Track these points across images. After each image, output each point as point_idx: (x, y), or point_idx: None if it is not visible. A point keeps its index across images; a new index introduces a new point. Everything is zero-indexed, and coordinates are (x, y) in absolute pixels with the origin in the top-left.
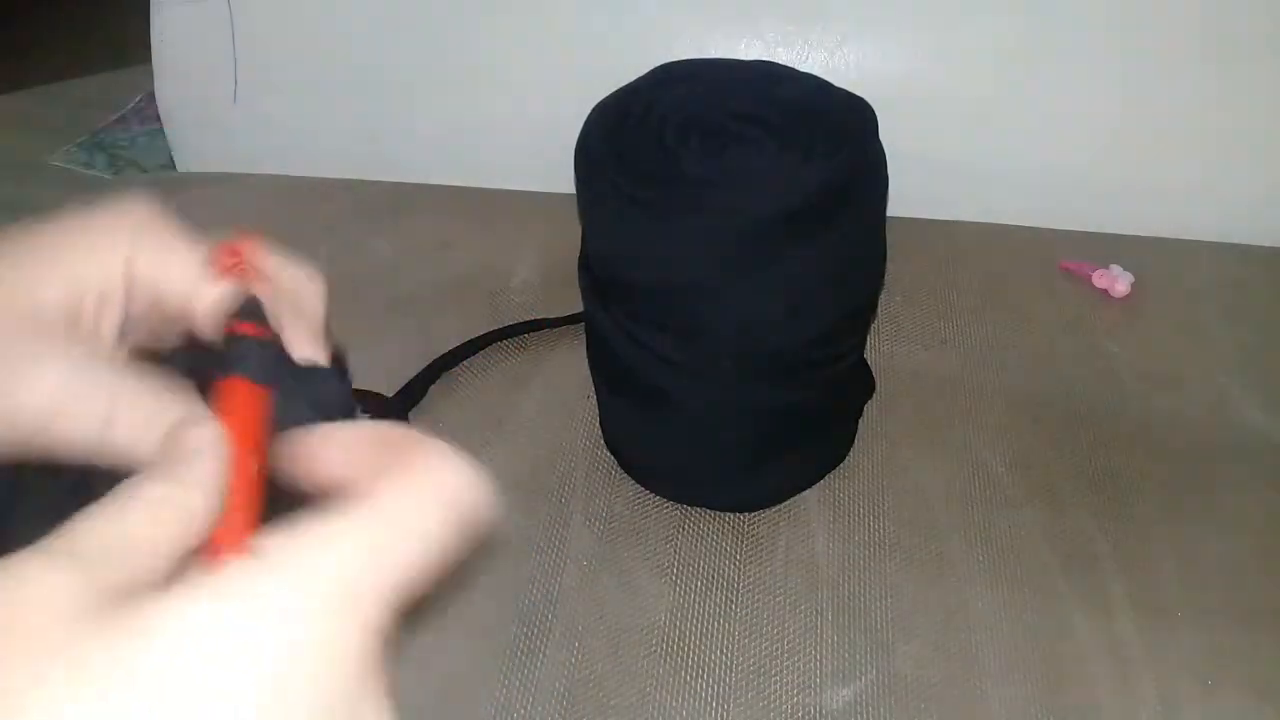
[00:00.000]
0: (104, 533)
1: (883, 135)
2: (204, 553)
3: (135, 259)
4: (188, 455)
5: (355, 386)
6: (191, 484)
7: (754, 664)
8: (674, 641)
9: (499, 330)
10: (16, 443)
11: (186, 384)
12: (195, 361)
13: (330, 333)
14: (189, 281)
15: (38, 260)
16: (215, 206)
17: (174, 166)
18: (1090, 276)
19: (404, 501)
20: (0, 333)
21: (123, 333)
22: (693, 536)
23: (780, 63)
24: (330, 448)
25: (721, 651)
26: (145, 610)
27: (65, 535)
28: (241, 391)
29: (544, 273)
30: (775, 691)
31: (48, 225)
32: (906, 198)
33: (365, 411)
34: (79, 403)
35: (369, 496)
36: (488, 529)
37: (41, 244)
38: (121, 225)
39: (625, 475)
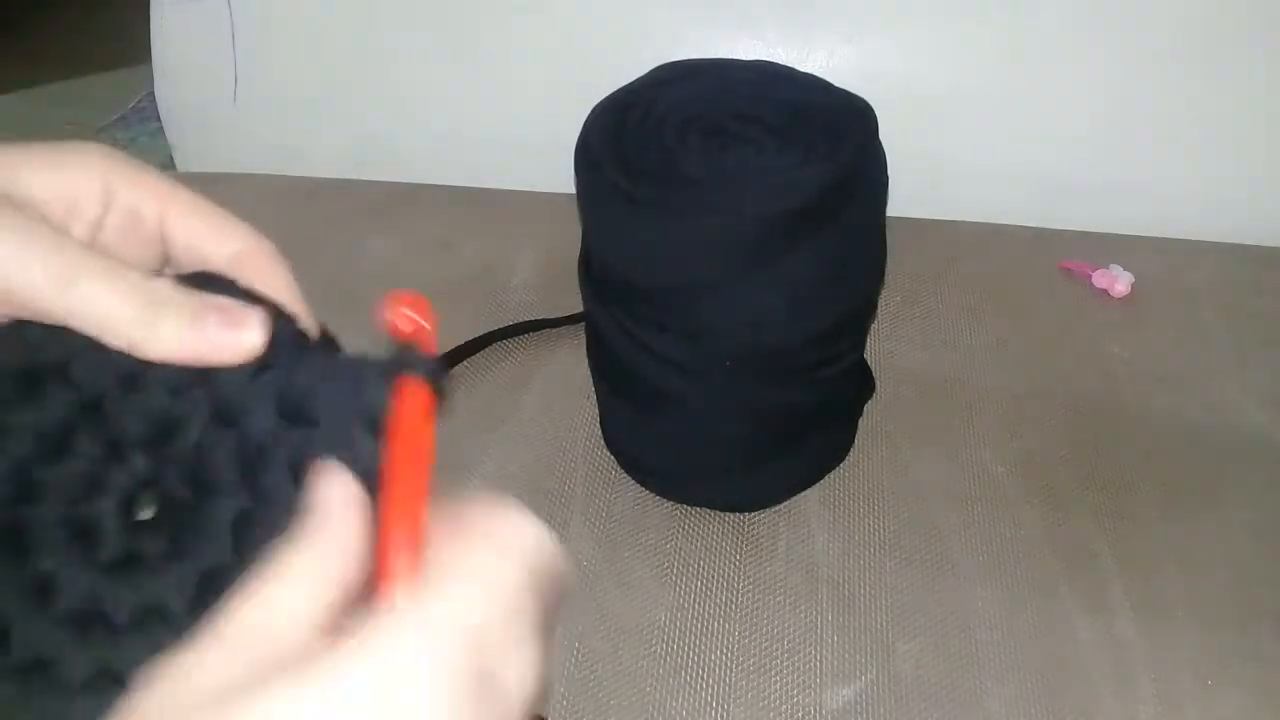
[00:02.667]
0: (247, 612)
1: (883, 135)
2: (372, 592)
3: (111, 179)
4: (323, 519)
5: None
6: (327, 548)
7: (754, 664)
8: (674, 641)
9: (499, 330)
10: None
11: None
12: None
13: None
14: (163, 203)
15: (19, 162)
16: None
17: (174, 166)
18: (1090, 276)
19: (485, 559)
20: None
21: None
22: (693, 536)
23: (780, 63)
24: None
25: (721, 651)
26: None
27: (217, 618)
28: (418, 400)
29: (544, 273)
30: (775, 691)
31: (26, 145)
32: (906, 198)
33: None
34: (43, 260)
35: (457, 557)
36: (565, 582)
37: (22, 154)
38: (93, 150)
39: (625, 475)
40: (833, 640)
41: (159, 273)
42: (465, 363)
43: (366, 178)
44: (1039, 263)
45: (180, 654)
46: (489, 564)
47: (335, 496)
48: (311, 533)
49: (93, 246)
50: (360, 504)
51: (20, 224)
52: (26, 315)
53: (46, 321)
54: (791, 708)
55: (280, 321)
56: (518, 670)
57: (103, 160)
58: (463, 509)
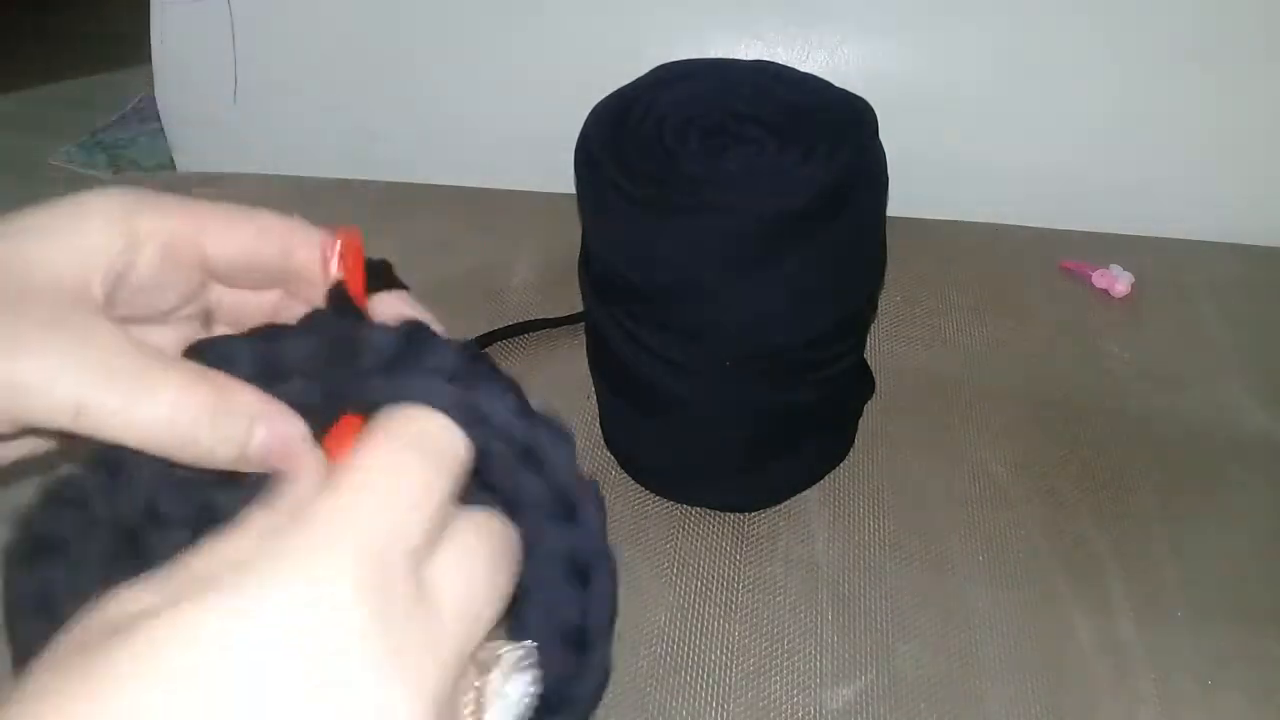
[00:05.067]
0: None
1: (883, 135)
2: None
3: (135, 220)
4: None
5: None
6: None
7: (754, 664)
8: (674, 641)
9: (499, 330)
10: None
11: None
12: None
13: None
14: (196, 230)
15: (37, 234)
16: None
17: (174, 166)
18: (1090, 276)
19: (382, 458)
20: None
21: (138, 300)
22: (693, 536)
23: (780, 63)
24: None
25: (721, 651)
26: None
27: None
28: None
29: (544, 273)
30: (775, 691)
31: (43, 207)
32: (906, 198)
33: None
34: (49, 384)
35: (348, 466)
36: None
37: (37, 221)
38: (112, 197)
39: (625, 475)
40: (833, 640)
41: (207, 314)
42: None
43: (366, 178)
44: (1039, 263)
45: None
46: (384, 459)
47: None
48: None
49: (123, 292)
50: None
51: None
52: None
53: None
54: (791, 708)
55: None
56: (447, 572)
57: (122, 205)
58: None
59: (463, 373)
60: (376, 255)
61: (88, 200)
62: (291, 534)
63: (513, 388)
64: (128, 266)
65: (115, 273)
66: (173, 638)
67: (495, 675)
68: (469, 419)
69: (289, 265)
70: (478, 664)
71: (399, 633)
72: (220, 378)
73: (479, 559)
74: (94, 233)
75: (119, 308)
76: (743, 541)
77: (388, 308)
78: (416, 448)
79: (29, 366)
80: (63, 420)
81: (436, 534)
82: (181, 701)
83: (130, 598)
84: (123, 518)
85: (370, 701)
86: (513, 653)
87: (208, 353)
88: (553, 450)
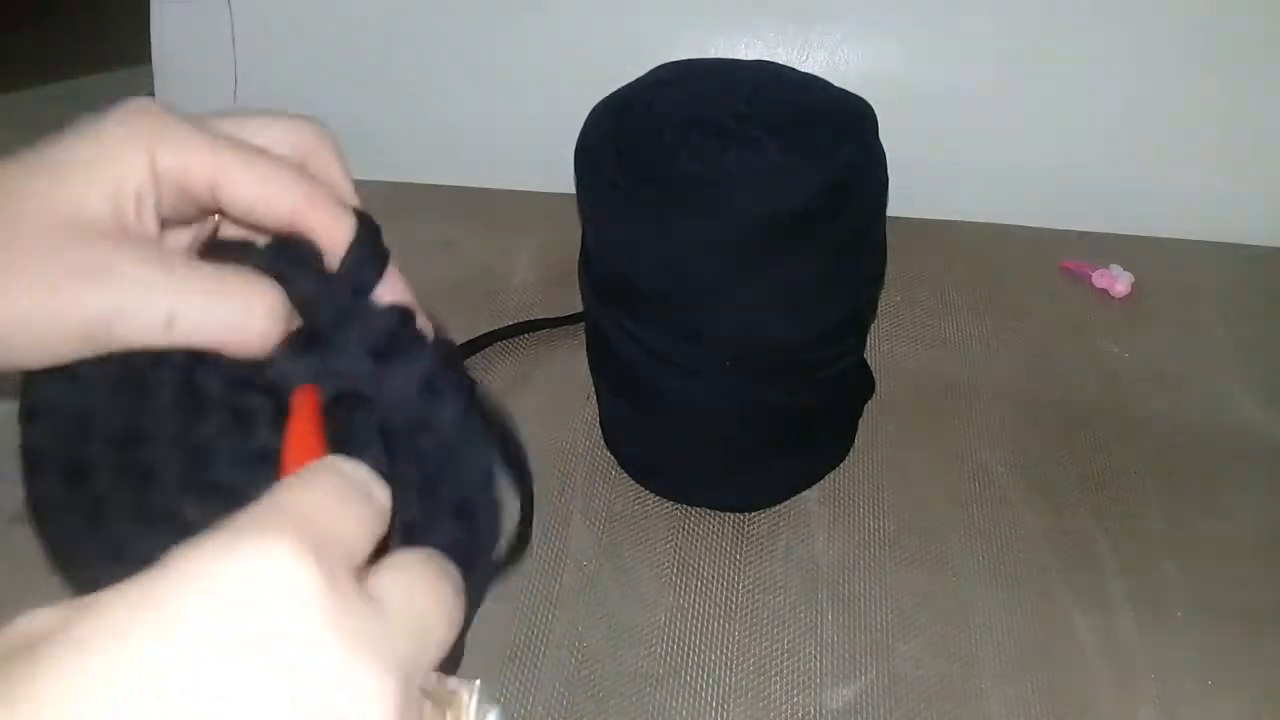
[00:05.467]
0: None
1: (883, 135)
2: None
3: (156, 152)
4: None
5: None
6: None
7: (754, 664)
8: (674, 641)
9: (499, 330)
10: (85, 346)
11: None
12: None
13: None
14: (211, 165)
15: (69, 169)
16: None
17: None
18: (1090, 276)
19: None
20: (52, 244)
21: (163, 225)
22: (693, 536)
23: (780, 63)
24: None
25: (721, 651)
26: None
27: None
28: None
29: (544, 273)
30: (775, 691)
31: (67, 137)
32: (906, 198)
33: None
34: (140, 305)
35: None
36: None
37: (67, 154)
38: (136, 123)
39: (625, 475)
40: (833, 640)
41: (212, 232)
42: (465, 363)
43: (366, 178)
44: (1039, 263)
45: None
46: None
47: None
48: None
49: (145, 212)
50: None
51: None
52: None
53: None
54: (791, 708)
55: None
56: (390, 585)
57: (148, 137)
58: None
59: (386, 345)
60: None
61: (110, 132)
62: (234, 520)
63: (433, 355)
64: (150, 195)
65: (141, 200)
66: (115, 617)
67: (470, 704)
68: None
69: (297, 223)
70: (432, 697)
71: (356, 616)
72: (265, 280)
73: (421, 576)
74: (123, 165)
75: (144, 222)
76: (743, 541)
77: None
78: (350, 485)
79: (123, 292)
80: (155, 335)
81: (367, 556)
82: (131, 691)
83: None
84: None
85: (335, 683)
86: (472, 688)
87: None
88: (444, 412)
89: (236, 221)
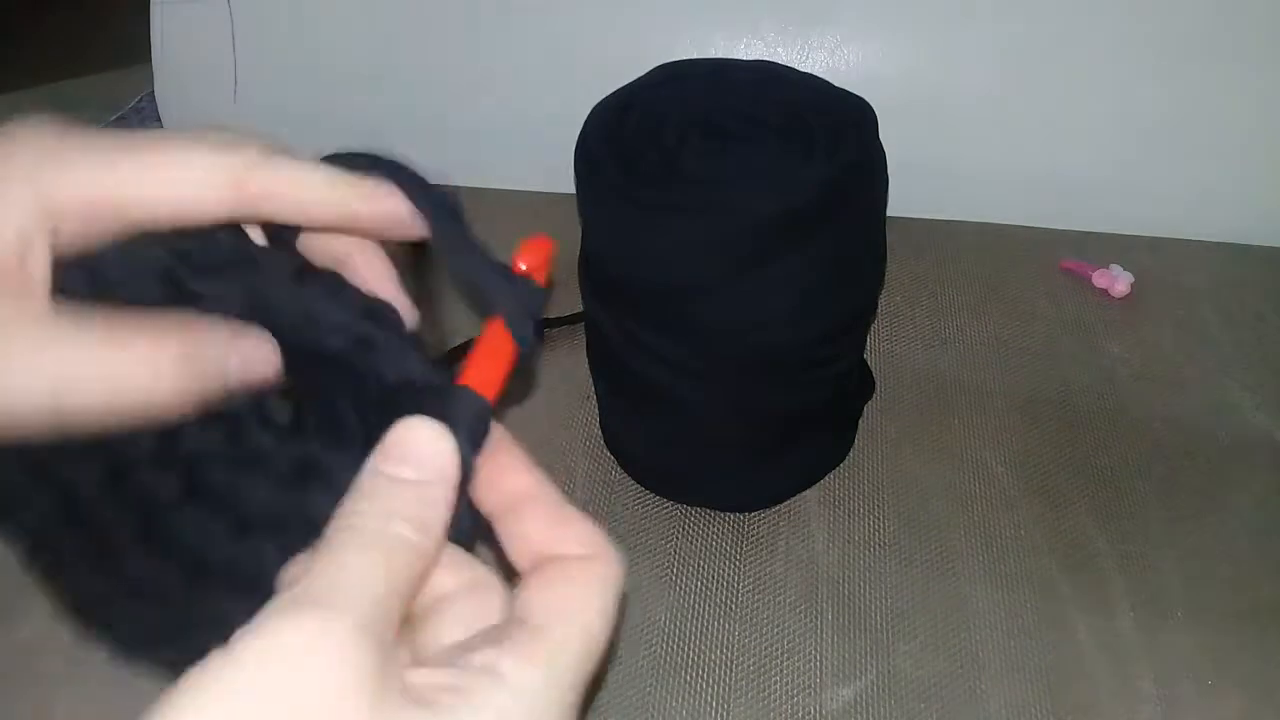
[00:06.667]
0: (366, 579)
1: (883, 135)
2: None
3: (48, 190)
4: (427, 482)
5: None
6: (429, 530)
7: (754, 664)
8: (674, 641)
9: None
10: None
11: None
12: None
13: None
14: (123, 185)
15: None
16: None
17: None
18: (1090, 276)
19: (582, 619)
20: None
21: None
22: (693, 536)
23: (780, 63)
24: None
25: (721, 651)
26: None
27: (321, 578)
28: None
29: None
30: (775, 691)
31: None
32: (906, 198)
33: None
34: (14, 377)
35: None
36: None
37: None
38: (16, 163)
39: (625, 475)
40: (833, 640)
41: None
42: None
43: None
44: (1039, 263)
45: (290, 622)
46: (591, 609)
47: (430, 457)
48: (408, 496)
49: (26, 265)
50: (452, 466)
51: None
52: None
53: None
54: (791, 708)
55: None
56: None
57: (32, 172)
58: (562, 525)
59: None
60: None
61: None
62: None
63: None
64: (52, 236)
65: (27, 245)
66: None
67: None
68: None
69: (247, 207)
70: None
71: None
72: (184, 323)
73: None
74: (8, 212)
75: (29, 272)
76: (743, 541)
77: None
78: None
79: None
80: (47, 417)
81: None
82: None
83: None
84: None
85: None
86: None
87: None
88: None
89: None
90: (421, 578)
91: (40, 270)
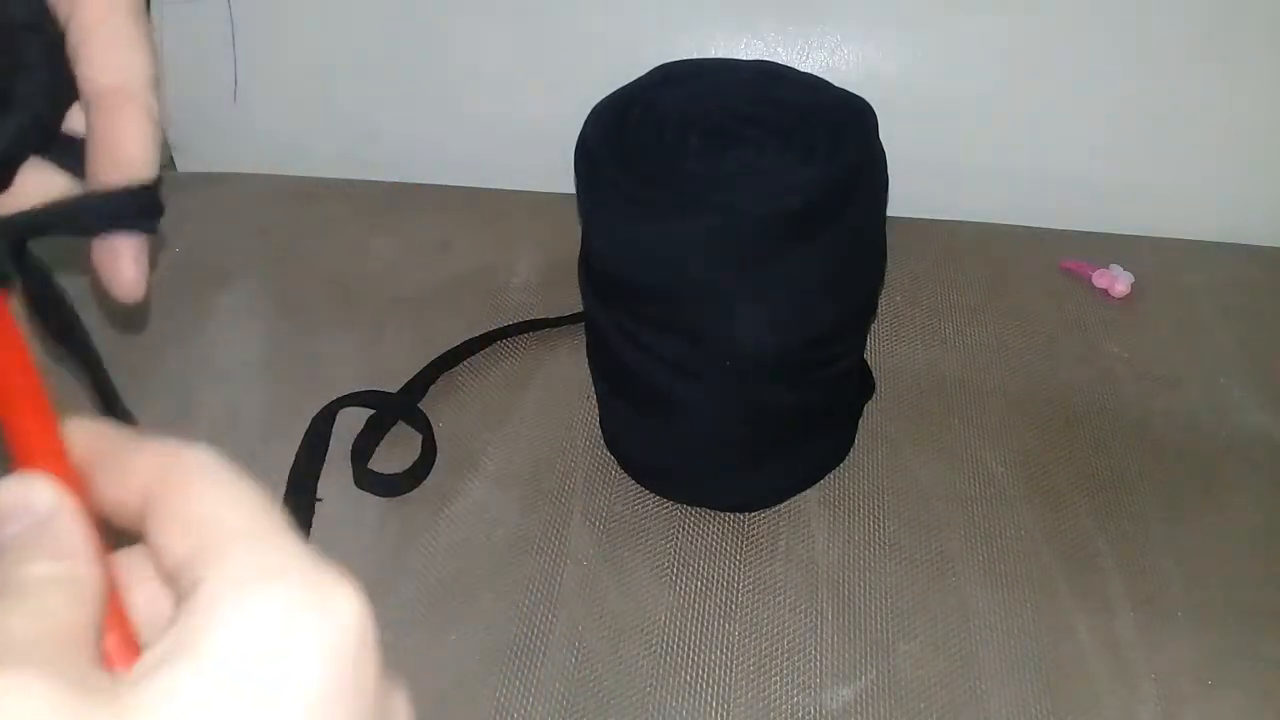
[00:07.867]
0: (27, 628)
1: (883, 135)
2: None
3: None
4: (42, 520)
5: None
6: (71, 554)
7: (754, 664)
8: (674, 641)
9: (499, 330)
10: None
11: None
12: None
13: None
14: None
15: None
16: (215, 206)
17: (174, 166)
18: (1090, 276)
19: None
20: None
21: None
22: (693, 536)
23: (780, 63)
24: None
25: (721, 651)
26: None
27: None
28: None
29: (544, 273)
30: (775, 691)
31: None
32: (906, 198)
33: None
34: None
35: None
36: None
37: None
38: None
39: (625, 475)
40: (833, 640)
41: None
42: (465, 363)
43: (366, 178)
44: (1039, 263)
45: None
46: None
47: (42, 494)
48: (34, 538)
49: None
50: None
51: None
52: None
53: None
54: (791, 708)
55: None
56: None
57: None
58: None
59: None
60: (376, 256)
61: None
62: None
63: None
64: None
65: None
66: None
67: None
68: None
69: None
70: None
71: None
72: None
73: None
74: None
75: None
76: (743, 541)
77: None
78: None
79: None
80: None
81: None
82: None
83: None
84: None
85: None
86: None
87: None
88: None
89: None
90: (93, 586)
91: None
